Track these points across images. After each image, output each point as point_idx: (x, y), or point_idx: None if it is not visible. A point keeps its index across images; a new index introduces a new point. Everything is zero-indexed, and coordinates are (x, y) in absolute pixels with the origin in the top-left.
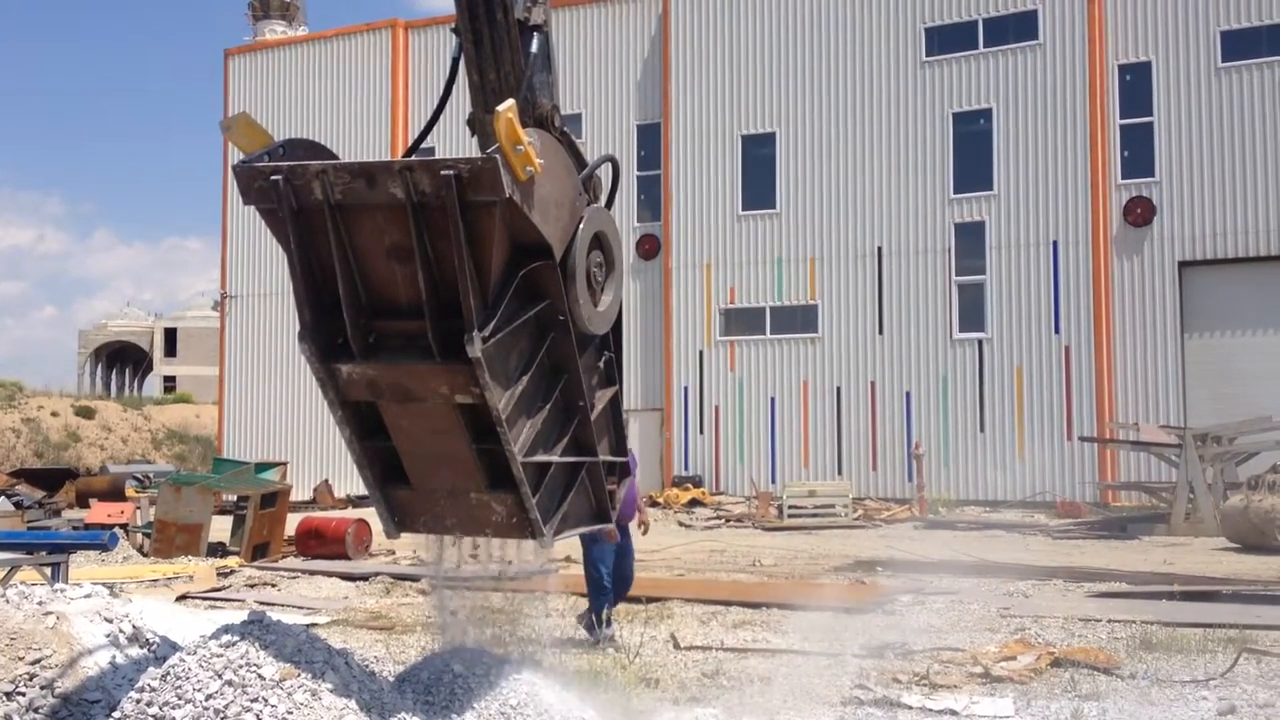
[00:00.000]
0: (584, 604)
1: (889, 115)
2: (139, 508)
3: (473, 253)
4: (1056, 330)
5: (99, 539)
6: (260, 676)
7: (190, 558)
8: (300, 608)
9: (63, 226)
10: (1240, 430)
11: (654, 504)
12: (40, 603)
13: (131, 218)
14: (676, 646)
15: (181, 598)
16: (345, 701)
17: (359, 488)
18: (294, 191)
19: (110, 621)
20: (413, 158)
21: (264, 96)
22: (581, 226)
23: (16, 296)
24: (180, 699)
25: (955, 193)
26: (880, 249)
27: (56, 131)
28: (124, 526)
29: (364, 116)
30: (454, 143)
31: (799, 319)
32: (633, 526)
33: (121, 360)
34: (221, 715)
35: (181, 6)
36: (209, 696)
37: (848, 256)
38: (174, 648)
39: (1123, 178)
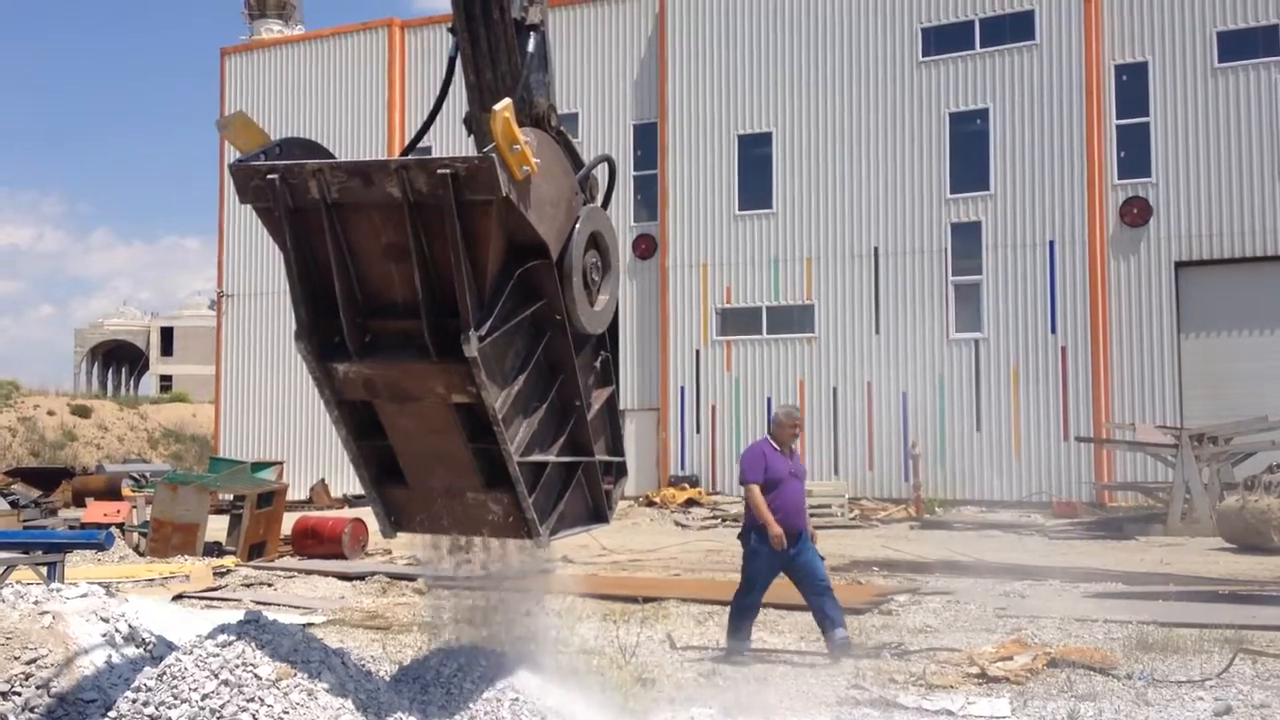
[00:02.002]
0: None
1: (885, 115)
2: (135, 507)
3: (469, 252)
4: (1053, 330)
5: (95, 538)
6: (256, 676)
7: (186, 557)
8: (296, 607)
9: (61, 225)
10: (1236, 430)
11: (650, 504)
12: (36, 602)
13: (130, 217)
14: (673, 646)
15: (178, 597)
16: (342, 701)
17: (355, 487)
18: (290, 190)
19: (106, 621)
20: (409, 157)
21: (260, 95)
22: (578, 226)
23: (13, 296)
24: (176, 699)
25: (952, 193)
26: (877, 249)
27: (54, 131)
28: (120, 526)
29: (360, 116)
30: (451, 142)
31: (795, 319)
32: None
33: (118, 359)
34: (218, 715)
35: (178, 5)
36: (205, 696)
37: (844, 256)
38: (170, 647)
39: (1119, 178)
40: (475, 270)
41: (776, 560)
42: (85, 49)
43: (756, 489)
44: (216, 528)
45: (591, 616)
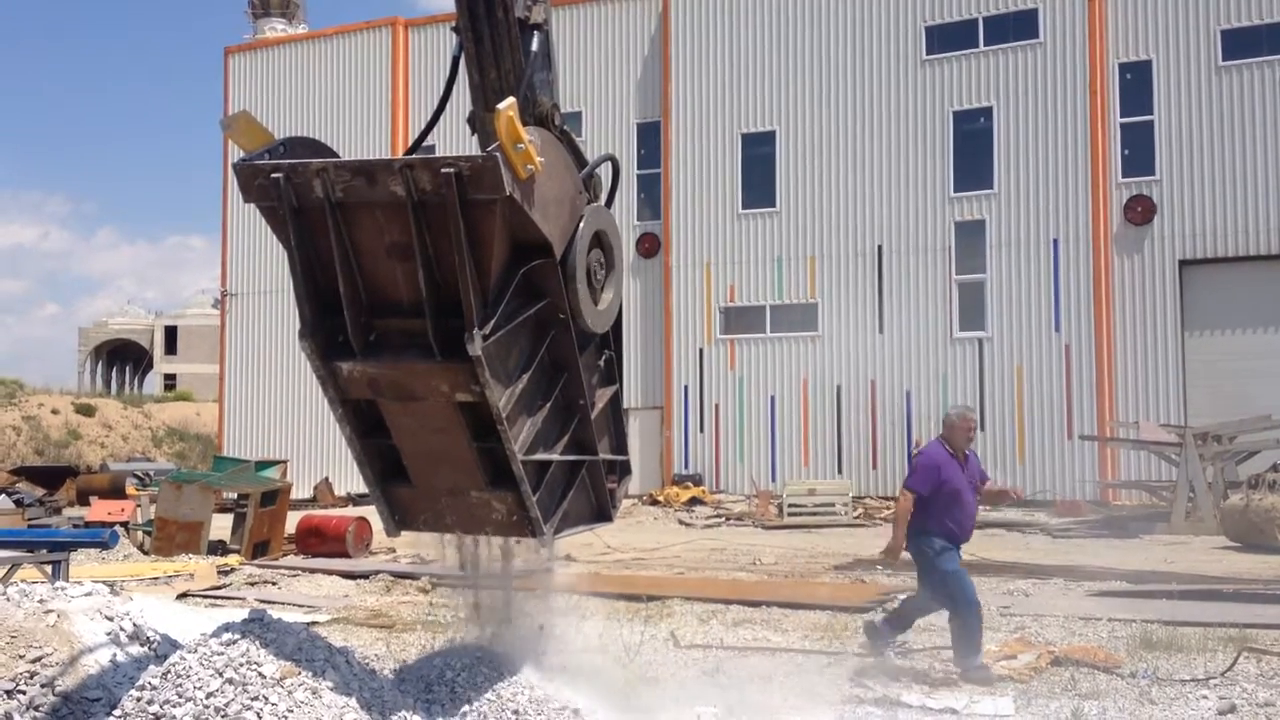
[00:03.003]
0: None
1: (889, 114)
2: (139, 506)
3: (473, 251)
4: (1057, 329)
5: (99, 537)
6: (261, 675)
7: (191, 556)
8: (300, 606)
9: (66, 225)
10: (1240, 429)
11: (654, 502)
12: (41, 601)
13: (134, 216)
14: (677, 645)
15: (182, 596)
16: (346, 700)
17: (359, 486)
18: (294, 190)
19: (111, 620)
20: (413, 156)
21: (264, 95)
22: (582, 225)
23: (19, 295)
24: (181, 697)
25: (955, 191)
26: (880, 247)
27: (60, 131)
28: (124, 524)
29: (364, 115)
30: (455, 141)
31: (799, 317)
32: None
33: (122, 358)
34: (222, 713)
35: (181, 5)
36: (210, 695)
37: (848, 255)
38: (174, 646)
39: (1123, 176)
40: (479, 269)
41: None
42: (89, 49)
43: (909, 499)
44: (220, 526)
45: (595, 615)
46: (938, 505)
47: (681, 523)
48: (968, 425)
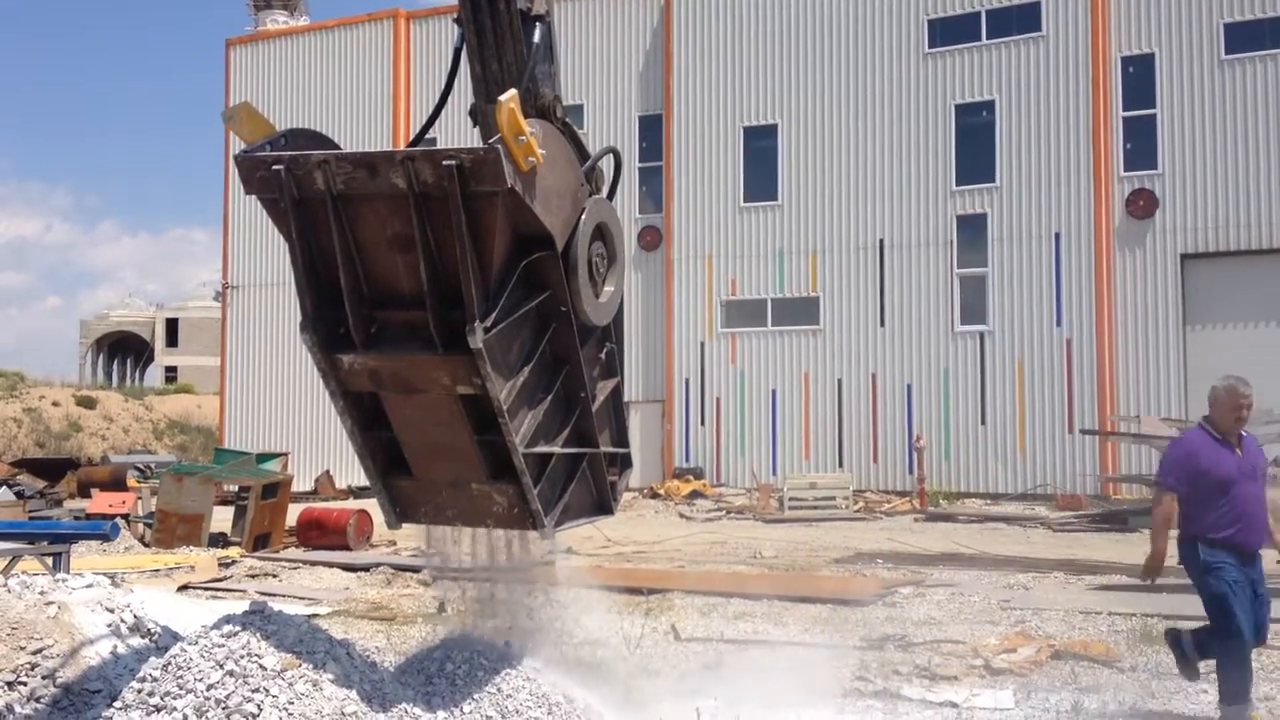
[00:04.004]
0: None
1: (891, 107)
2: (140, 498)
3: (474, 243)
4: (1058, 323)
5: (100, 529)
6: (262, 667)
7: (192, 548)
8: (301, 598)
9: (68, 218)
10: None
11: (654, 496)
12: (42, 593)
13: (137, 209)
14: (677, 638)
15: (183, 588)
16: (346, 692)
17: (360, 478)
18: (296, 181)
19: (112, 611)
20: (415, 148)
21: (266, 86)
22: (583, 218)
23: (21, 287)
24: (182, 689)
25: (957, 185)
26: (882, 241)
27: (62, 124)
28: (125, 517)
29: (365, 107)
30: (456, 133)
31: (800, 311)
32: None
33: (123, 350)
34: (223, 705)
35: None
36: (210, 686)
37: (849, 249)
38: (175, 638)
39: (1125, 170)
40: (481, 262)
41: (1245, 574)
42: (92, 43)
43: (1167, 500)
44: (221, 519)
45: (596, 608)
46: (1200, 502)
47: (682, 516)
48: (1238, 402)
